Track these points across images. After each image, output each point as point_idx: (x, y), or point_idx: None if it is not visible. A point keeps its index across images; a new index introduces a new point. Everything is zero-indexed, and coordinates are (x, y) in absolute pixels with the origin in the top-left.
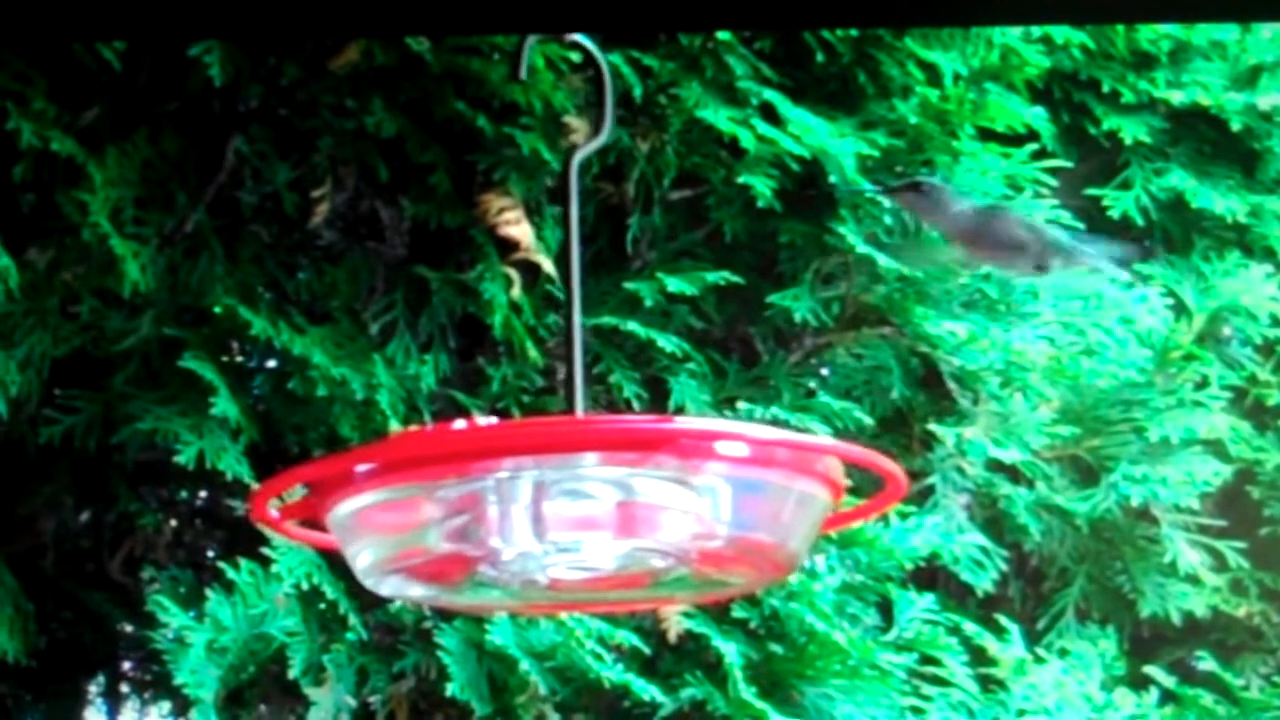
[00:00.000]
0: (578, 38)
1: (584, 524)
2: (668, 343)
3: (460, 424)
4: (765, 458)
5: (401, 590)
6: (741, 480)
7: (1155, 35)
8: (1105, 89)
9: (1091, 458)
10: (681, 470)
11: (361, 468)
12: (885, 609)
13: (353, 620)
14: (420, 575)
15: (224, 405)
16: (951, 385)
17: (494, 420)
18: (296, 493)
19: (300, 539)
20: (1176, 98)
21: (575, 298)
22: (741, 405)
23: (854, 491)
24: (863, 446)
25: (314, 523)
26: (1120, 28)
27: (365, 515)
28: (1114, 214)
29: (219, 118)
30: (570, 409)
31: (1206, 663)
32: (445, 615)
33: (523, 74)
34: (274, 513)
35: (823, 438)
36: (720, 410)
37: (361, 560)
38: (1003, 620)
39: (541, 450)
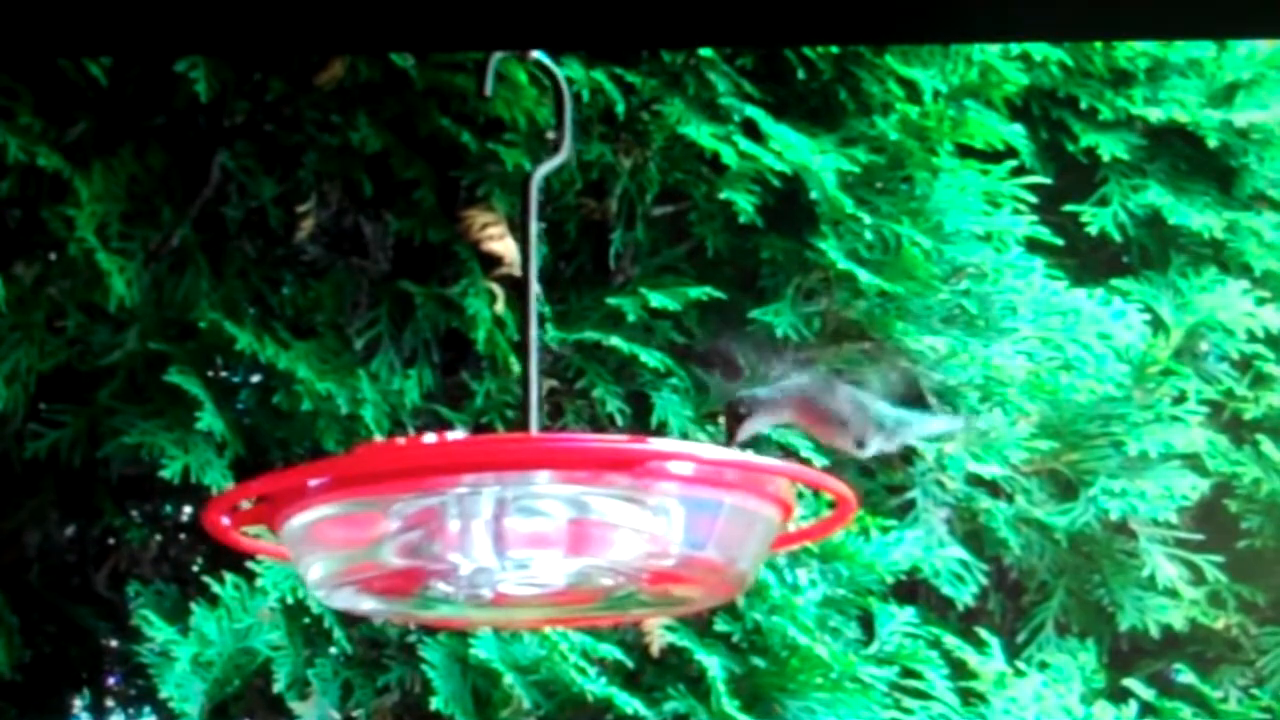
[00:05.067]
0: (537, 55)
1: (537, 541)
2: (650, 358)
3: (430, 438)
4: (716, 478)
5: (353, 603)
6: (693, 500)
7: (1133, 53)
8: (1083, 106)
9: (1070, 472)
10: (634, 489)
11: (314, 482)
12: (866, 622)
13: (337, 634)
14: (372, 589)
15: (209, 419)
16: (931, 400)
17: (460, 434)
18: None
19: (250, 549)
20: (1154, 115)
21: (532, 318)
22: (723, 420)
23: (832, 505)
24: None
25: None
26: (1098, 45)
27: (318, 529)
28: (1091, 230)
29: (204, 133)
30: (525, 426)
31: (1185, 675)
32: (429, 629)
33: (488, 90)
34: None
35: (773, 459)
36: (703, 425)
37: (312, 573)
38: (983, 633)
39: (494, 468)
